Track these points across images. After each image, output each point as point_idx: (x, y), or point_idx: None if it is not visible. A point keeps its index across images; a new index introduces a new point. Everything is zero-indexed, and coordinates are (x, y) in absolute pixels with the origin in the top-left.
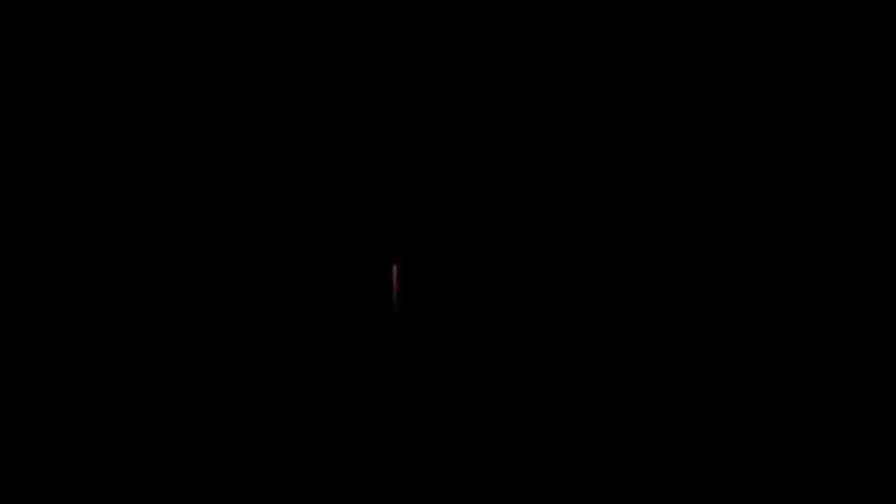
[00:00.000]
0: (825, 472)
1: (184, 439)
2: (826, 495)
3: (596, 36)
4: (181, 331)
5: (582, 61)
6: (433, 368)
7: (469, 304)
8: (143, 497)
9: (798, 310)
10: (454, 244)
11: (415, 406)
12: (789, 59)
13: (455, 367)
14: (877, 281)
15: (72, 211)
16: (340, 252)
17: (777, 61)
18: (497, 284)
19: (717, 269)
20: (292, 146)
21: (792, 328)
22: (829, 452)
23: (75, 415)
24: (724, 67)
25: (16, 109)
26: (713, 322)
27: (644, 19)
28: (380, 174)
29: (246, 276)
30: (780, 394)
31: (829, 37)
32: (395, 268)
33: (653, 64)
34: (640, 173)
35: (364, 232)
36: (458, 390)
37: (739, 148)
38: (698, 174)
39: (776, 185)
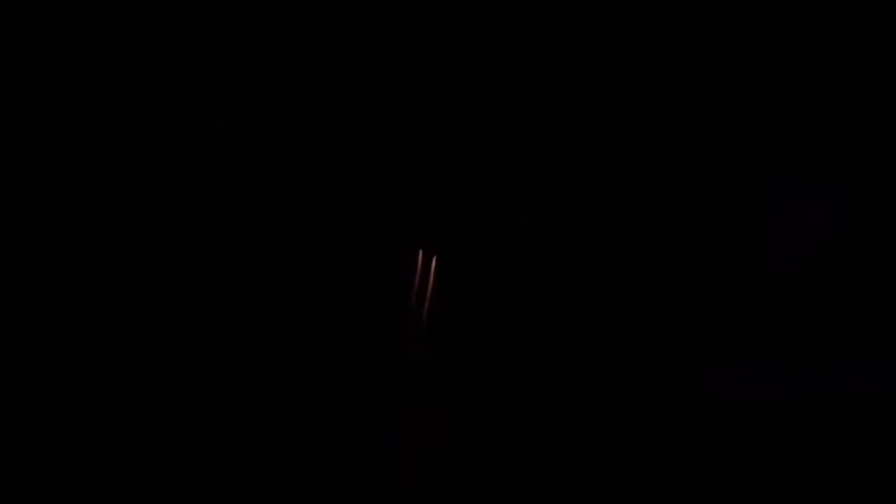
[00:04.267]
0: None
1: (183, 441)
2: None
3: None
4: (181, 331)
5: None
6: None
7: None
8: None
9: None
10: None
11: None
12: None
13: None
14: None
15: (71, 211)
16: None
17: None
18: None
19: None
20: (295, 143)
21: None
22: None
23: (75, 416)
24: None
25: (16, 109)
26: None
27: None
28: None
29: (248, 277)
30: None
31: None
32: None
33: None
34: None
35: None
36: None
37: None
38: None
39: None
